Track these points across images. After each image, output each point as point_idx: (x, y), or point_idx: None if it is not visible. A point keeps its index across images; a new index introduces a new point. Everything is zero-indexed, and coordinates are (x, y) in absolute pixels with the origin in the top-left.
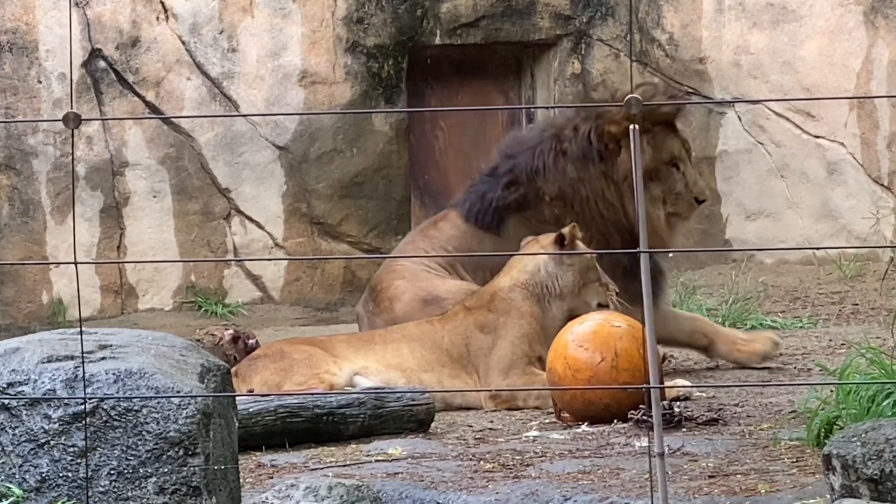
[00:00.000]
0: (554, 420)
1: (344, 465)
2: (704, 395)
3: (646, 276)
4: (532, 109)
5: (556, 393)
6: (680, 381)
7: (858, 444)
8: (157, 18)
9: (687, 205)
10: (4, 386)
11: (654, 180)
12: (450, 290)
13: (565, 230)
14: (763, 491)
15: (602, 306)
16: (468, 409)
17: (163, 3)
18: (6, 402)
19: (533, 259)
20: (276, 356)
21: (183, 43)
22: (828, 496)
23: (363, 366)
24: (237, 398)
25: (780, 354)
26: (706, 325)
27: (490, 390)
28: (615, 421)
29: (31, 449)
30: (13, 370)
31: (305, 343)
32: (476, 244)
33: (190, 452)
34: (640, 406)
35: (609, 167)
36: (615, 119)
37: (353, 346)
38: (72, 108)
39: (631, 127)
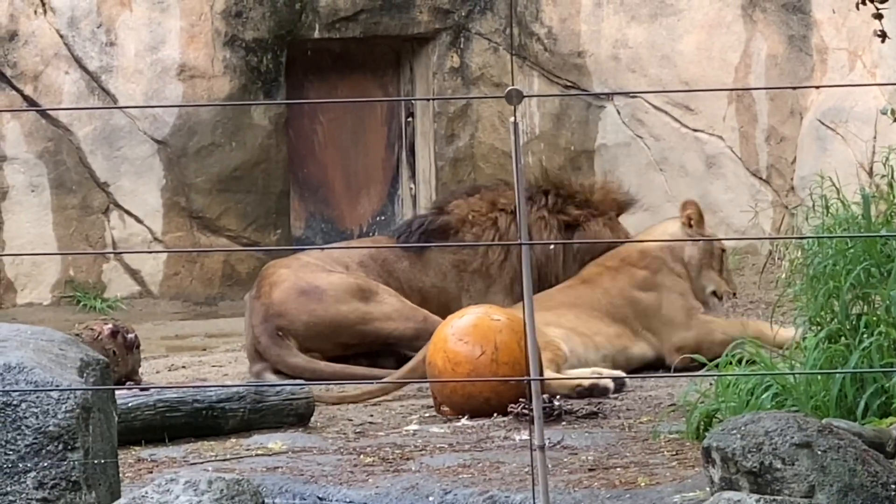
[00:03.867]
0: (434, 414)
1: (224, 460)
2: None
3: (526, 268)
4: (411, 102)
5: (436, 386)
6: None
7: (738, 436)
8: (35, 12)
9: None
10: None
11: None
12: (332, 283)
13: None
14: (643, 484)
15: (716, 296)
16: (645, 366)
17: None
18: None
19: (667, 229)
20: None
21: (61, 37)
22: (707, 489)
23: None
24: (117, 392)
25: None
26: None
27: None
28: (495, 414)
29: None
30: None
31: None
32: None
33: (69, 447)
34: (521, 399)
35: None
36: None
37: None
38: None
39: (510, 119)
